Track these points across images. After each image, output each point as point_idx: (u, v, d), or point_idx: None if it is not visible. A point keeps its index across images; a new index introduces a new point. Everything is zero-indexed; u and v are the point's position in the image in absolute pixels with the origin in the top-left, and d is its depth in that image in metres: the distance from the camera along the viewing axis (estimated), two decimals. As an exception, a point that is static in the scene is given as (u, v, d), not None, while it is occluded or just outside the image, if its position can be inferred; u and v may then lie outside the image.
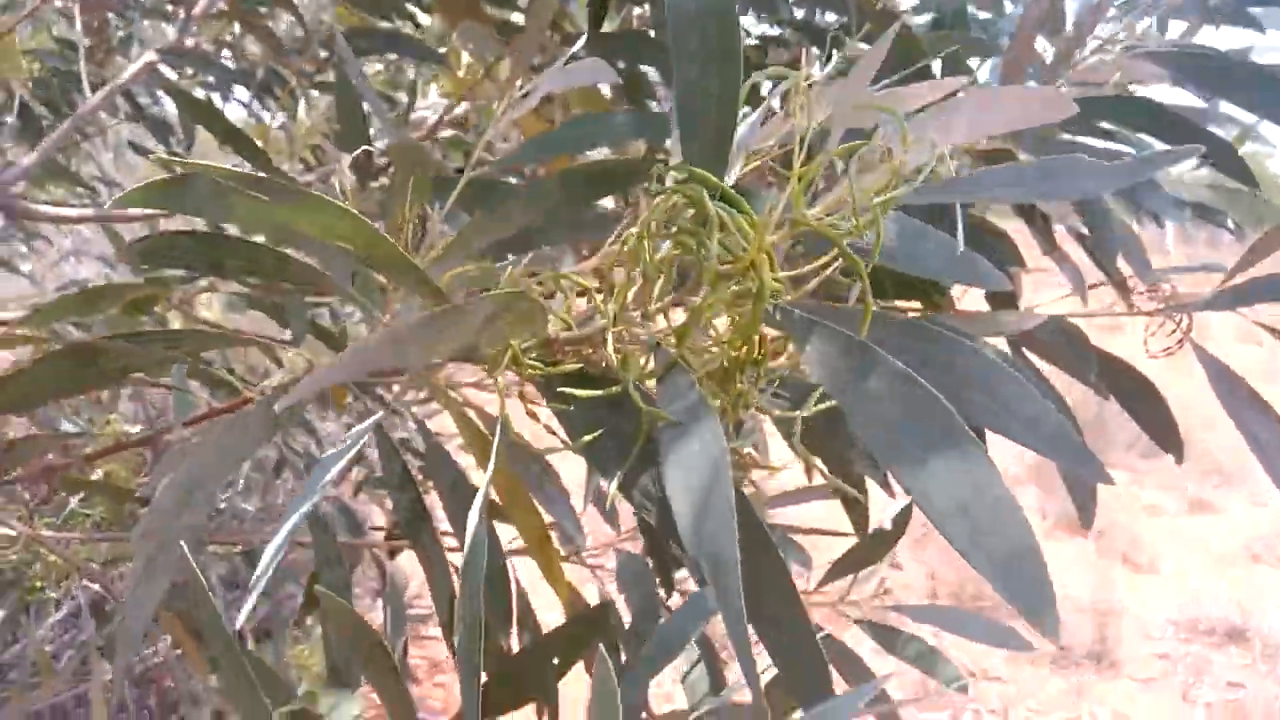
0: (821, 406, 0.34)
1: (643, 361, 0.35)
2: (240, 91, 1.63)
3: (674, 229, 0.33)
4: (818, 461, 0.35)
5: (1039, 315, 0.46)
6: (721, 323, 0.35)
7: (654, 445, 0.32)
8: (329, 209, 0.37)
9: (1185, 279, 0.71)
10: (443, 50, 1.27)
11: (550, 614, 0.78)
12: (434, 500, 0.64)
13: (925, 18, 1.01)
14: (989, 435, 0.41)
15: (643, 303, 0.35)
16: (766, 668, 0.35)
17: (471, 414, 0.51)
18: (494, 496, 0.57)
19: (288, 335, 1.19)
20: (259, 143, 1.57)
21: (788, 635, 0.32)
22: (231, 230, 0.59)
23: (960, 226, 0.33)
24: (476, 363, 0.43)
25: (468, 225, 0.50)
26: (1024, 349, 0.67)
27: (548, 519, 0.56)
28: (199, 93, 1.66)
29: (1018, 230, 0.79)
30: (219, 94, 1.70)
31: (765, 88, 0.80)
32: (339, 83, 0.67)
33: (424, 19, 1.42)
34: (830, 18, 1.11)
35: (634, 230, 0.34)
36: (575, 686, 0.60)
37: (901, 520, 0.78)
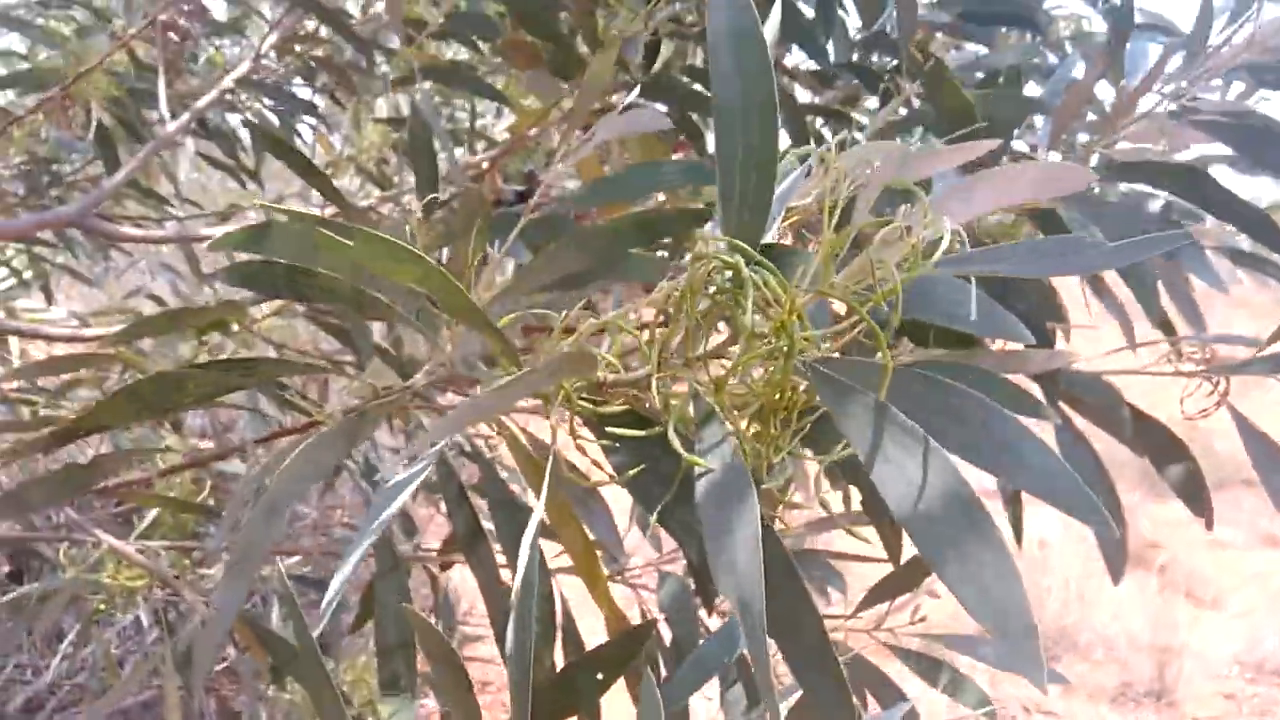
0: (849, 451, 0.36)
1: (683, 407, 0.38)
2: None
3: (713, 289, 0.36)
4: (832, 499, 0.38)
5: (1067, 353, 0.48)
6: (759, 372, 0.38)
7: (690, 484, 0.36)
8: (401, 254, 0.41)
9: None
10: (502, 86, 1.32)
11: (593, 636, 0.81)
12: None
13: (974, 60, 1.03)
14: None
15: (685, 352, 0.38)
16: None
17: (524, 440, 0.55)
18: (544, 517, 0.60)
19: (345, 352, 1.25)
20: (327, 157, 1.64)
21: (810, 660, 0.35)
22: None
23: (973, 293, 0.35)
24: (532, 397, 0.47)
25: (525, 268, 0.53)
26: (1060, 404, 0.68)
27: (592, 538, 0.59)
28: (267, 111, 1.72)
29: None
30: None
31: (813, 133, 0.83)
32: (412, 126, 0.71)
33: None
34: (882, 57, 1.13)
35: (679, 286, 0.37)
36: (615, 701, 0.63)
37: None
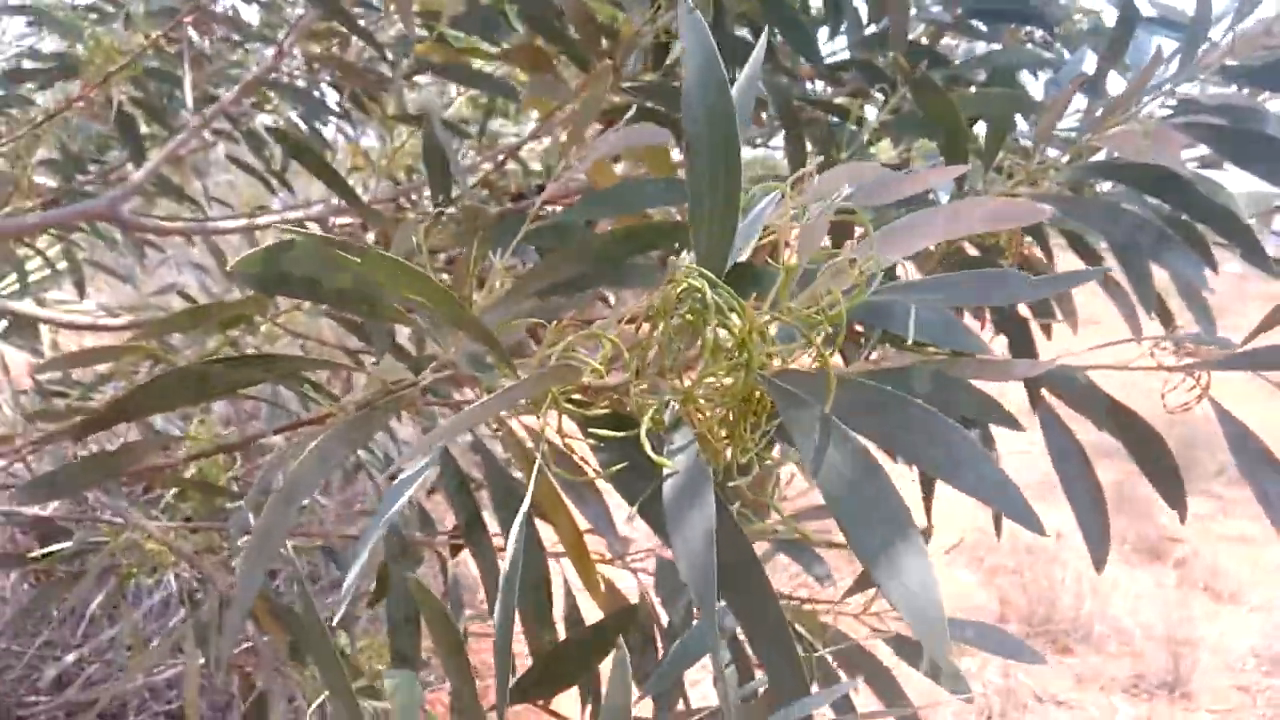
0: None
1: (657, 413, 0.42)
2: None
3: (683, 308, 0.40)
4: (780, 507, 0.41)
5: (1049, 363, 0.51)
6: (729, 381, 0.41)
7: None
8: (404, 271, 0.45)
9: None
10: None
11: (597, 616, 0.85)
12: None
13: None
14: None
15: (660, 362, 0.42)
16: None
17: (521, 433, 0.59)
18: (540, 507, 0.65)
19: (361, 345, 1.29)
20: (352, 162, 1.68)
21: (771, 641, 0.39)
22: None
23: (911, 318, 0.39)
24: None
25: (525, 274, 0.57)
26: (1044, 391, 0.71)
27: (586, 525, 0.64)
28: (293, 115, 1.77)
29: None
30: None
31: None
32: (425, 137, 0.75)
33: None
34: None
35: (654, 303, 0.41)
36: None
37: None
